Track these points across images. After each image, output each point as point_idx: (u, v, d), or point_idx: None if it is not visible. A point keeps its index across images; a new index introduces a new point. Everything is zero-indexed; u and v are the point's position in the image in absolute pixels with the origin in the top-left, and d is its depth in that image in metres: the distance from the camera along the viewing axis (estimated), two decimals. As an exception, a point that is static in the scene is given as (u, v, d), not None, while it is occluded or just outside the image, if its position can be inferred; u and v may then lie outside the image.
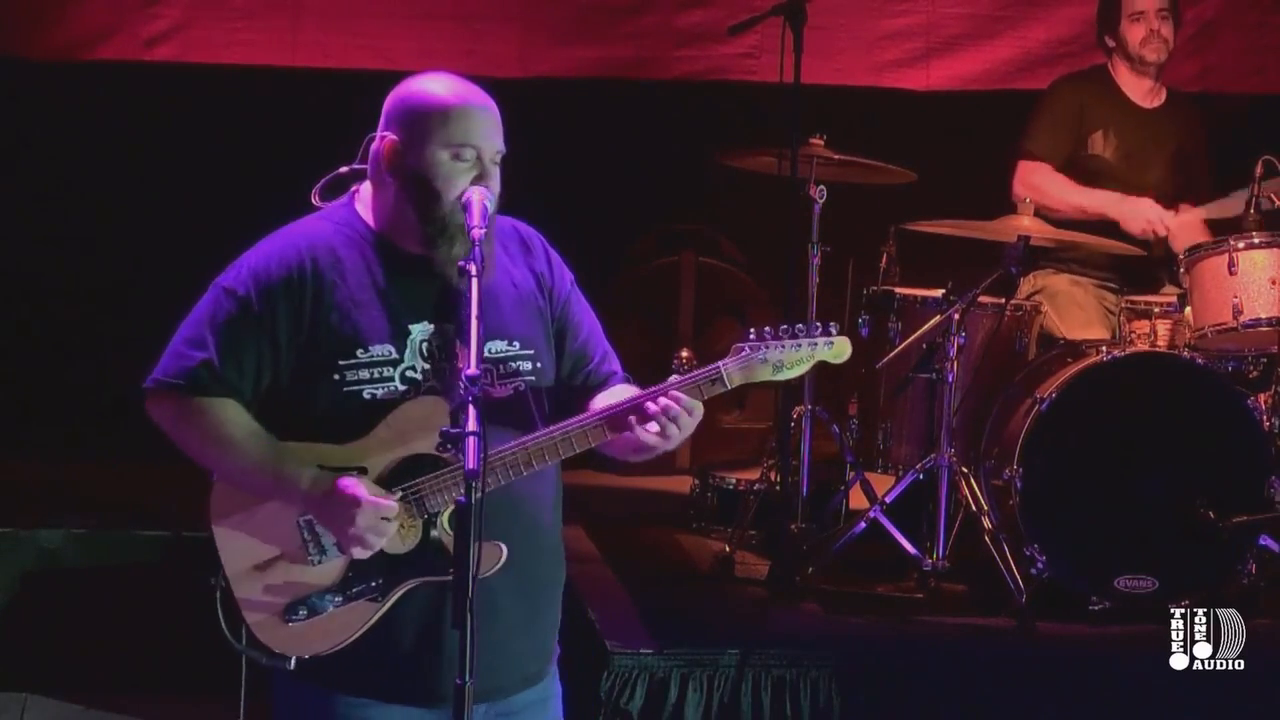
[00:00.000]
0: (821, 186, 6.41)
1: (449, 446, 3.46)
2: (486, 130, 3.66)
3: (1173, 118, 6.92)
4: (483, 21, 7.87)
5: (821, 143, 6.49)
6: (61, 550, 6.41)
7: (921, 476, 6.21)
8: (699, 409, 3.67)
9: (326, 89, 7.78)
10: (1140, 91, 6.90)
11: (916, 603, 6.07)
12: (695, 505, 7.08)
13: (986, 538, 6.01)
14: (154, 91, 7.83)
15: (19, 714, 6.09)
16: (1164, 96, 6.93)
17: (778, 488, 6.43)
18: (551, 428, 3.65)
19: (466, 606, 3.35)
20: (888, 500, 6.19)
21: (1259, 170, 6.39)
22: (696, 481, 7.13)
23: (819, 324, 3.78)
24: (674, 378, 3.69)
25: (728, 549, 6.46)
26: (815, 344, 3.75)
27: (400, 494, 3.60)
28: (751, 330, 3.74)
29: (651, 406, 3.64)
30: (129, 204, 7.90)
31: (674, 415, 3.65)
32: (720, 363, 3.70)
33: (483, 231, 3.56)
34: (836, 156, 6.48)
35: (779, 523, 6.33)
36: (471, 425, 3.37)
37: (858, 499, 6.53)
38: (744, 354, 3.71)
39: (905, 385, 6.30)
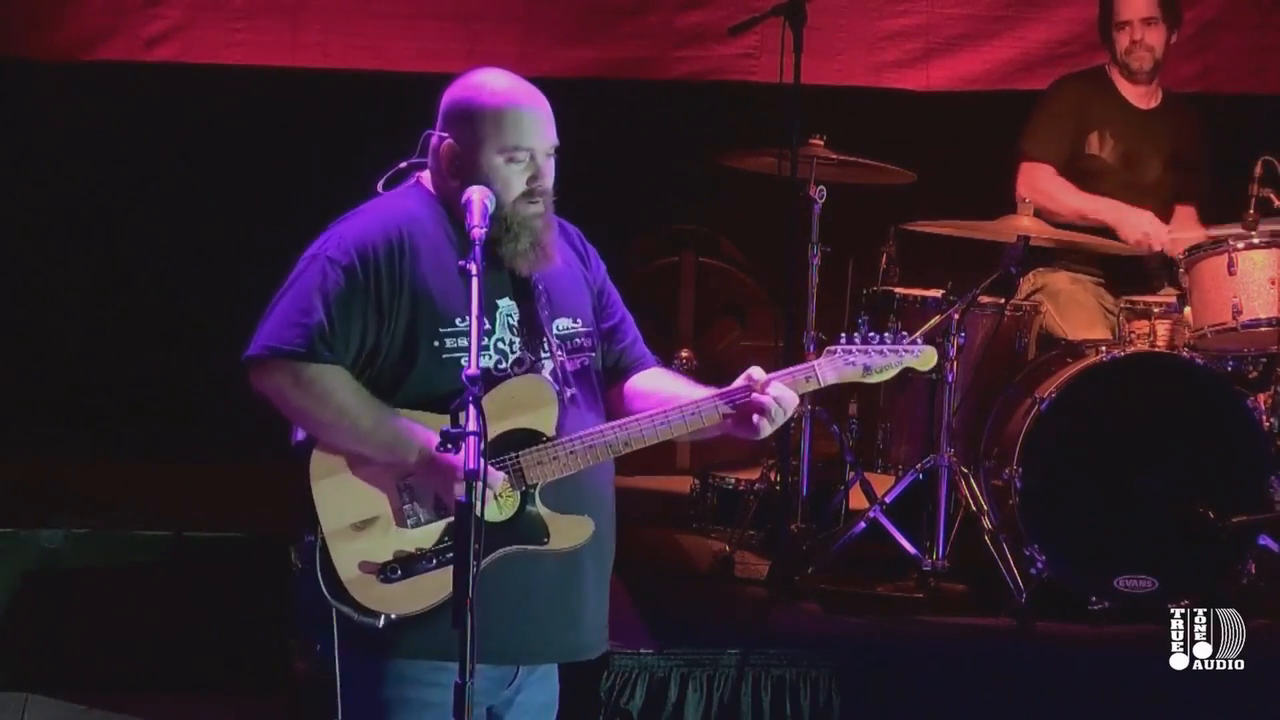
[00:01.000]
0: (821, 187, 6.41)
1: (448, 446, 3.49)
2: (537, 128, 3.80)
3: (1169, 119, 6.92)
4: (483, 21, 7.87)
5: (821, 143, 6.49)
6: (61, 550, 6.41)
7: (921, 476, 6.21)
8: (796, 400, 3.84)
9: (326, 89, 7.78)
10: (1136, 93, 6.90)
11: (916, 603, 6.07)
12: (695, 505, 7.08)
13: (986, 538, 6.01)
14: (154, 91, 7.83)
15: (19, 714, 6.09)
16: (1160, 98, 6.94)
17: (778, 488, 6.43)
18: (673, 407, 3.81)
19: (466, 607, 3.37)
20: (888, 500, 6.19)
21: (1259, 170, 6.39)
22: (696, 481, 7.13)
23: (904, 334, 4.00)
24: (761, 372, 3.82)
25: (728, 549, 6.47)
26: (904, 352, 3.95)
27: (504, 466, 3.72)
28: (843, 334, 3.94)
29: (763, 398, 3.78)
30: (129, 204, 7.89)
31: (786, 405, 3.79)
32: (814, 362, 3.90)
33: (483, 231, 3.64)
34: (836, 156, 6.48)
35: (779, 523, 6.33)
36: (471, 425, 3.41)
37: (858, 499, 6.53)
38: (836, 355, 3.91)
39: (905, 385, 6.30)
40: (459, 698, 3.41)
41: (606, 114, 7.99)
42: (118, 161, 7.88)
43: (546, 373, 3.80)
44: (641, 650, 5.43)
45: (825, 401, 6.60)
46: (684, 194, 8.11)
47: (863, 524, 6.19)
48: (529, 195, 3.77)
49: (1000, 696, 5.53)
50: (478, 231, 3.62)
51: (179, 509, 6.66)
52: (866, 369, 3.91)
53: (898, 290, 6.51)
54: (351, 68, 7.80)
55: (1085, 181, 6.82)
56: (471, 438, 3.40)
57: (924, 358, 3.96)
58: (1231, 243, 6.21)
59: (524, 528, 3.75)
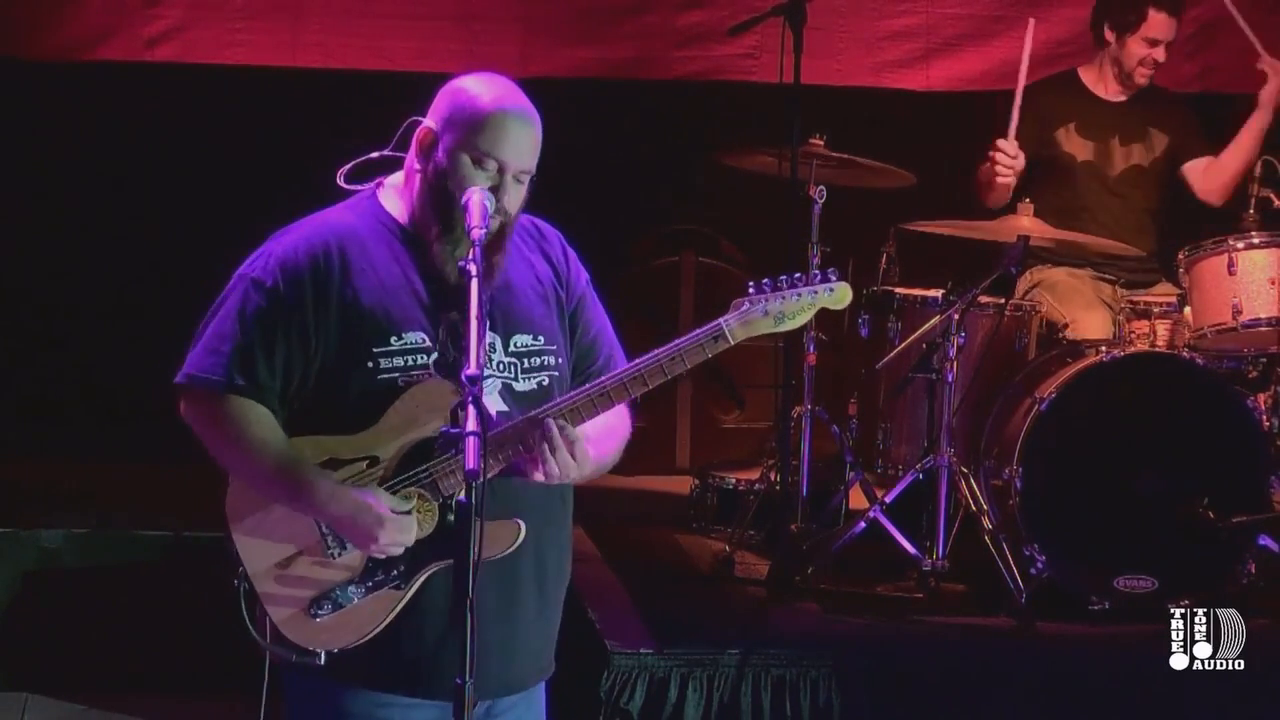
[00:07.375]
0: (821, 186, 6.41)
1: (451, 448, 3.46)
2: (518, 146, 3.64)
3: (1145, 107, 6.91)
4: (483, 21, 7.87)
5: (821, 143, 6.49)
6: (61, 550, 6.41)
7: (921, 476, 6.21)
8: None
9: (326, 89, 7.78)
10: (1107, 89, 6.90)
11: (916, 603, 6.07)
12: (695, 505, 7.08)
13: (986, 538, 6.01)
14: (154, 91, 7.83)
15: (19, 714, 6.09)
16: (1134, 89, 6.92)
17: (778, 488, 6.43)
18: (573, 392, 3.64)
19: (466, 606, 3.34)
20: (888, 500, 6.19)
21: (1259, 170, 6.39)
22: (696, 481, 7.13)
23: (819, 272, 3.76)
24: (678, 339, 3.69)
25: (728, 549, 6.47)
26: (816, 292, 3.73)
27: (415, 494, 3.59)
28: (751, 284, 3.72)
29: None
30: (129, 204, 7.90)
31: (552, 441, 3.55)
32: (721, 319, 3.69)
33: (483, 232, 3.54)
34: (836, 156, 6.48)
35: (779, 523, 6.33)
36: (471, 425, 3.35)
37: (858, 499, 6.53)
38: (744, 308, 3.71)
39: (905, 385, 6.30)
40: (459, 698, 3.39)
41: (606, 114, 8.00)
42: (118, 161, 7.88)
43: (490, 395, 3.60)
44: (641, 650, 5.43)
45: (825, 401, 6.60)
46: (684, 194, 8.11)
47: (863, 524, 6.19)
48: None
49: (1000, 696, 5.52)
50: (478, 232, 3.52)
51: (179, 509, 6.66)
52: (778, 317, 3.69)
53: (898, 290, 6.51)
54: (351, 68, 7.80)
55: (1061, 176, 6.85)
56: (471, 438, 3.33)
57: (838, 294, 3.72)
58: (1231, 243, 6.22)
59: (448, 541, 3.53)
